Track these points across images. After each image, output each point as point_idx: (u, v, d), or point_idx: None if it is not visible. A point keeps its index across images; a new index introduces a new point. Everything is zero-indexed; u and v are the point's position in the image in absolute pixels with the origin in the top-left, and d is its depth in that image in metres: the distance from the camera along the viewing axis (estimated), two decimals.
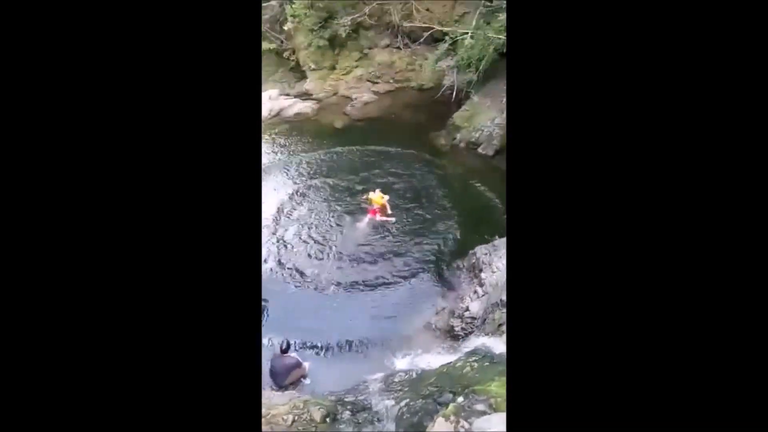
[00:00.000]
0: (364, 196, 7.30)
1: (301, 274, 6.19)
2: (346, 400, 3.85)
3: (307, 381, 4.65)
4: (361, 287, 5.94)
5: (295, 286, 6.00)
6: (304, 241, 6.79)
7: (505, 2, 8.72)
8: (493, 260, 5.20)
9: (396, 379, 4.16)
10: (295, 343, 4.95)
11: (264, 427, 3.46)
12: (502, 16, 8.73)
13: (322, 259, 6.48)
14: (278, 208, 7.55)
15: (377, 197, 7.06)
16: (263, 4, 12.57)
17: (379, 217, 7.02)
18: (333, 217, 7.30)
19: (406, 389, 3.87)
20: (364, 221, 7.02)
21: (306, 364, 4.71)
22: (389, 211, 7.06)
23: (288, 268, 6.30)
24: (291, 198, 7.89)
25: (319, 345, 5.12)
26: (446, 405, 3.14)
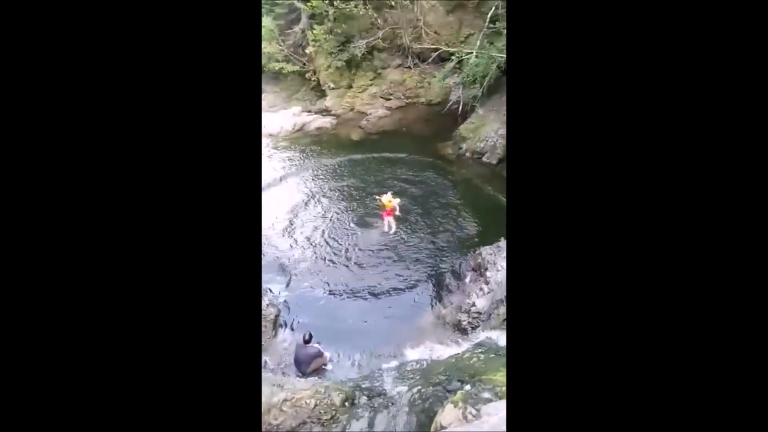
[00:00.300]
0: (376, 198, 7.34)
1: (318, 272, 6.23)
2: (363, 386, 3.86)
3: (329, 368, 4.68)
4: (375, 287, 5.95)
5: (312, 287, 6.03)
6: (314, 243, 6.80)
7: (506, 23, 8.71)
8: (497, 260, 5.16)
9: (408, 368, 4.15)
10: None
11: (290, 410, 3.50)
12: (504, 36, 8.72)
13: (338, 256, 6.52)
14: (296, 212, 7.65)
15: (387, 201, 7.09)
16: (286, 31, 12.86)
17: (390, 218, 7.05)
18: (352, 219, 7.35)
19: (417, 377, 3.85)
20: (384, 223, 7.04)
21: (327, 354, 4.75)
22: (398, 213, 7.07)
23: (305, 267, 6.36)
24: (309, 201, 7.98)
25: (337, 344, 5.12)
26: (455, 392, 3.10)
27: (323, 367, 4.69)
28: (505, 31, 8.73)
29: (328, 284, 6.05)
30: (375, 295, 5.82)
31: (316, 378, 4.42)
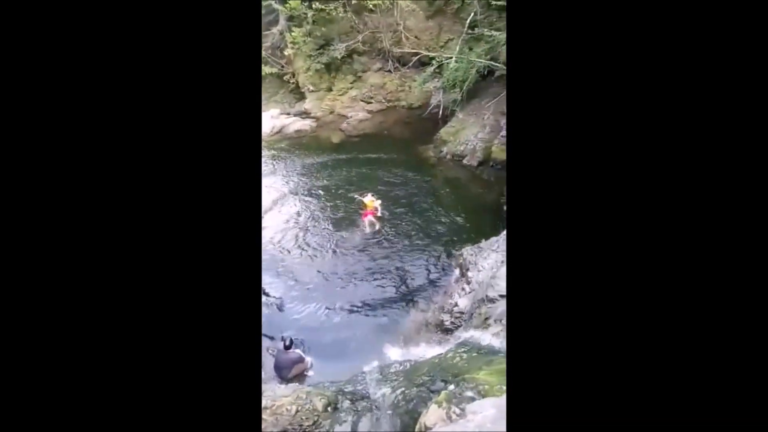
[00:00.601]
0: (357, 198, 7.36)
1: (296, 280, 6.14)
2: (345, 390, 3.82)
3: (311, 374, 4.62)
4: (355, 288, 5.93)
5: (291, 289, 5.94)
6: (286, 248, 6.75)
7: (485, 30, 8.99)
8: (479, 260, 5.25)
9: (392, 370, 4.15)
10: (301, 340, 4.92)
11: (270, 418, 3.42)
12: (483, 42, 8.99)
13: (317, 257, 6.47)
14: (273, 214, 7.56)
15: (369, 201, 7.13)
16: (264, 32, 12.76)
17: (371, 218, 7.08)
18: (330, 222, 7.32)
19: (401, 379, 3.86)
20: (364, 224, 7.06)
21: (308, 359, 4.69)
22: (379, 214, 7.13)
23: (287, 271, 6.27)
24: (287, 202, 7.91)
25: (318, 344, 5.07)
26: (438, 392, 3.12)
27: (305, 372, 4.62)
28: (482, 40, 9.00)
29: (308, 288, 5.97)
30: (356, 296, 5.79)
31: (297, 384, 4.34)
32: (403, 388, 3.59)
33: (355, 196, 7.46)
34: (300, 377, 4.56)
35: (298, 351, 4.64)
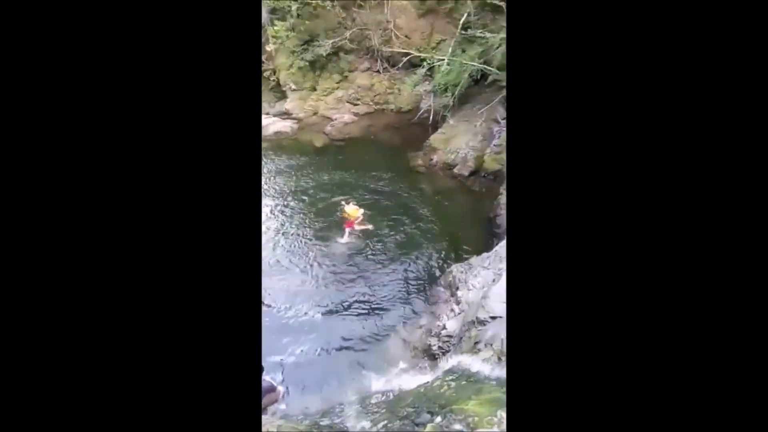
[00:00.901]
0: (340, 206, 7.24)
1: (273, 291, 5.93)
2: (321, 423, 3.65)
3: (282, 407, 4.40)
4: (335, 309, 5.75)
5: (266, 308, 5.72)
6: (269, 266, 6.51)
7: (479, 31, 9.06)
8: (469, 278, 5.16)
9: (373, 401, 4.00)
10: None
11: None
12: (477, 44, 9.04)
13: (295, 272, 6.29)
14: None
15: (352, 210, 7.00)
16: None
17: (356, 227, 6.93)
18: (311, 234, 7.14)
19: (383, 411, 3.70)
20: (345, 236, 6.91)
21: (280, 388, 4.48)
22: (364, 224, 7.02)
23: (264, 289, 6.04)
24: (270, 213, 7.70)
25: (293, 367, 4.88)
26: (424, 425, 2.98)
27: (276, 403, 4.40)
28: (476, 39, 9.06)
29: (287, 306, 5.75)
30: (335, 316, 5.61)
31: (267, 416, 4.13)
32: (385, 421, 3.45)
33: (341, 202, 7.34)
34: (271, 408, 4.34)
35: (268, 378, 4.42)
